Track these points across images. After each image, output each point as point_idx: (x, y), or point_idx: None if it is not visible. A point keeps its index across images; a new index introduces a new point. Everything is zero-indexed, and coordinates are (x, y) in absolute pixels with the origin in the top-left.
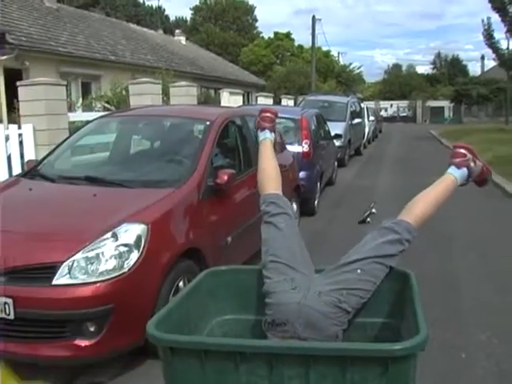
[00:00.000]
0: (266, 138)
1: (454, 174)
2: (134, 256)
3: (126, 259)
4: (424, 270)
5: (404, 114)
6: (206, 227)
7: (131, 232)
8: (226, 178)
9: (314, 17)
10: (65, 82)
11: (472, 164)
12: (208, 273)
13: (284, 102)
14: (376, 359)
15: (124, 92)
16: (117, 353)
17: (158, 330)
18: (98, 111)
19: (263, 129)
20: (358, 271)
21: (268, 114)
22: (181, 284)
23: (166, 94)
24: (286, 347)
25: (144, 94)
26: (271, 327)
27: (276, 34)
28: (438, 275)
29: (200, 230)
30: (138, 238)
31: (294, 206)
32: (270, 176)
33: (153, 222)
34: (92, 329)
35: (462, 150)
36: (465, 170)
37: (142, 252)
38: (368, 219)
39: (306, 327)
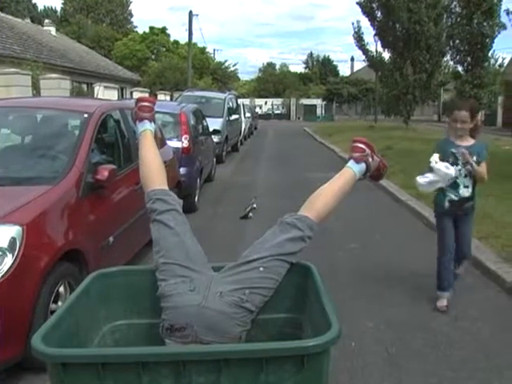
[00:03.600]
0: (146, 129)
1: (353, 169)
2: (8, 261)
3: None
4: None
5: (278, 112)
6: (86, 227)
7: (4, 234)
8: (106, 173)
9: (191, 12)
10: None
11: (370, 159)
12: (96, 275)
13: (160, 97)
14: (291, 357)
15: None
16: None
17: (46, 345)
18: None
19: (142, 119)
20: (261, 269)
21: (146, 103)
22: (61, 289)
23: (35, 87)
24: (194, 353)
25: (11, 85)
26: (170, 332)
27: (151, 28)
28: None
29: (80, 230)
30: (12, 240)
31: None
32: (153, 170)
33: (28, 222)
34: None
35: (361, 145)
36: (363, 164)
37: (16, 256)
38: (250, 214)
39: (208, 330)
